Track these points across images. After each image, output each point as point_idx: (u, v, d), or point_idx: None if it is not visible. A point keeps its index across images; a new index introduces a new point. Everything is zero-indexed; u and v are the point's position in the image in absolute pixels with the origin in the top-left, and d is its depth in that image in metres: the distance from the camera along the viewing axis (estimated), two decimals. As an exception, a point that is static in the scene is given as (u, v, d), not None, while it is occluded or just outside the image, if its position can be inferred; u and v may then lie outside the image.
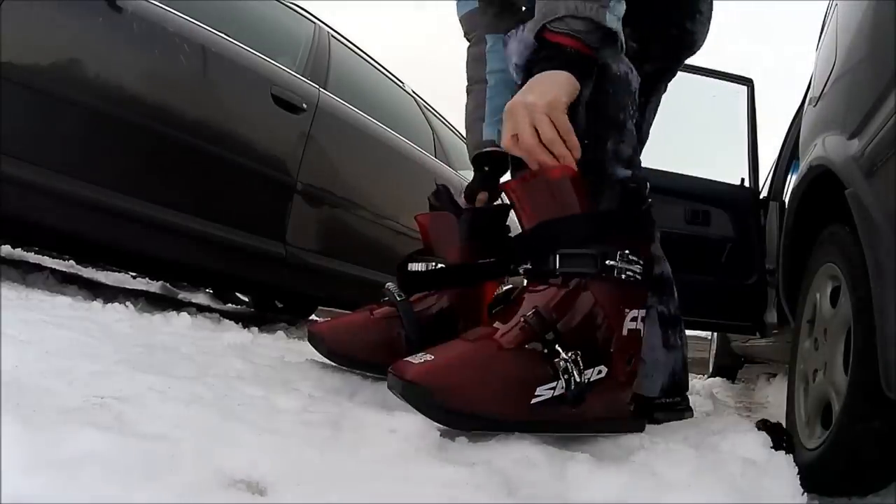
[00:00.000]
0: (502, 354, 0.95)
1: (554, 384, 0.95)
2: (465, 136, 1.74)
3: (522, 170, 1.10)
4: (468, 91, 1.67)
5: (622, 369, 1.03)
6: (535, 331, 0.96)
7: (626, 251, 1.02)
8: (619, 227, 1.05)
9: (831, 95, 1.35)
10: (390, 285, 1.43)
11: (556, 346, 0.95)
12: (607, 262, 1.01)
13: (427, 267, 1.44)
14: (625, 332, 1.02)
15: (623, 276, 1.02)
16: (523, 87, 1.05)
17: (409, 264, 1.47)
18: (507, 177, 1.45)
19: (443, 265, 1.42)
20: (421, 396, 0.90)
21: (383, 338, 1.37)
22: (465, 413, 0.91)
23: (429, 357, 0.95)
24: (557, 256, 1.02)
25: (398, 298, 1.39)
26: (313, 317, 4.25)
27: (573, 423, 0.99)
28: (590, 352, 0.98)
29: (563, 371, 0.95)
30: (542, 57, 1.06)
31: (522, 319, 0.97)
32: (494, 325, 1.03)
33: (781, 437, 1.11)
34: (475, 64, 1.63)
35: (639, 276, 1.04)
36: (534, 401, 0.94)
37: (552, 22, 1.04)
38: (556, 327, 0.96)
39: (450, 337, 1.04)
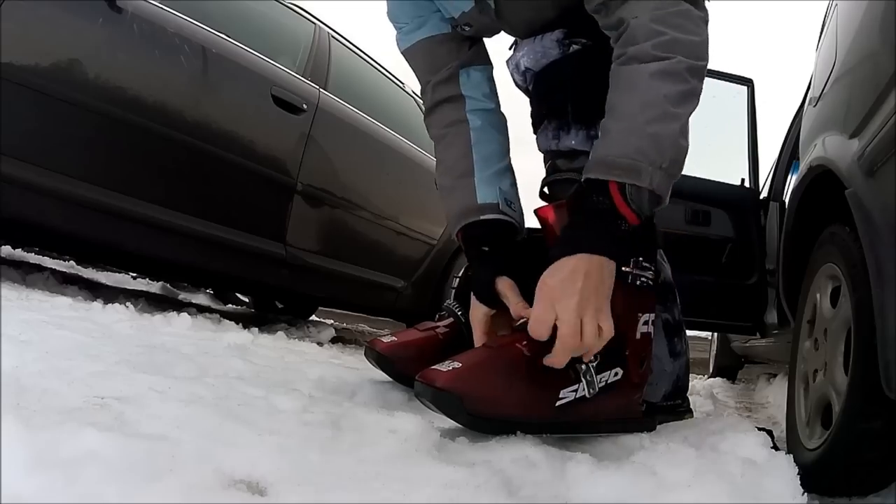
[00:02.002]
0: (527, 360, 0.98)
1: (576, 387, 0.99)
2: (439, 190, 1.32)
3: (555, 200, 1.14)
4: (440, 137, 1.30)
5: (636, 371, 1.07)
6: (554, 339, 0.97)
7: (640, 258, 1.05)
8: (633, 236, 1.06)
9: (831, 95, 1.35)
10: (452, 304, 1.44)
11: None
12: (623, 268, 1.01)
13: None
14: (638, 336, 1.06)
15: (637, 283, 1.05)
16: (571, 268, 0.91)
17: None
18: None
19: None
20: (451, 403, 0.92)
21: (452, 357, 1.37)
22: (494, 417, 0.94)
23: (456, 364, 0.97)
24: None
25: (463, 319, 1.38)
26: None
27: (593, 422, 1.02)
28: (607, 355, 1.01)
29: (584, 373, 0.99)
30: (595, 215, 0.94)
31: None
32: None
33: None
34: (450, 106, 1.29)
35: (651, 282, 1.07)
36: (558, 403, 0.97)
37: (628, 185, 0.93)
38: None
39: None
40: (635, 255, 1.04)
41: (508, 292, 1.11)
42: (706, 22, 1.03)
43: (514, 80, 1.31)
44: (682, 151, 1.03)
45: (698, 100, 1.01)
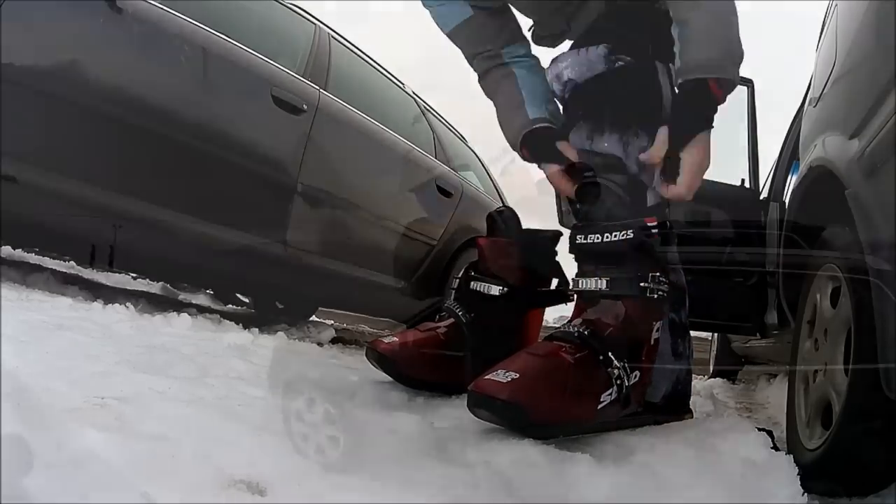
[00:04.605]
0: (573, 368, 1.06)
1: (610, 390, 1.09)
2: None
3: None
4: (495, 91, 1.49)
5: (649, 373, 1.17)
6: (594, 346, 1.10)
7: (657, 274, 1.16)
8: (654, 257, 1.20)
9: (831, 95, 1.35)
10: (452, 304, 1.45)
11: (611, 355, 1.09)
12: (641, 284, 1.15)
13: (488, 289, 1.42)
14: (652, 342, 1.17)
15: (655, 296, 1.15)
16: (701, 144, 1.17)
17: (471, 283, 1.46)
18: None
19: (507, 287, 1.42)
20: (517, 414, 0.98)
21: (452, 358, 1.39)
22: (551, 424, 1.01)
23: (513, 375, 1.01)
24: (605, 280, 1.16)
25: (464, 320, 1.41)
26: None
27: (622, 419, 1.14)
28: (631, 361, 1.12)
29: (617, 378, 1.10)
30: (704, 105, 1.19)
31: (585, 334, 1.11)
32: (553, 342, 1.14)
33: None
34: (499, 69, 1.47)
35: (664, 293, 1.16)
36: (600, 406, 1.06)
37: (719, 78, 1.18)
38: (609, 341, 1.11)
39: (505, 353, 1.11)
40: (653, 271, 1.16)
41: (568, 152, 1.30)
42: None
43: (552, 88, 1.43)
44: (740, 44, 1.23)
45: None
